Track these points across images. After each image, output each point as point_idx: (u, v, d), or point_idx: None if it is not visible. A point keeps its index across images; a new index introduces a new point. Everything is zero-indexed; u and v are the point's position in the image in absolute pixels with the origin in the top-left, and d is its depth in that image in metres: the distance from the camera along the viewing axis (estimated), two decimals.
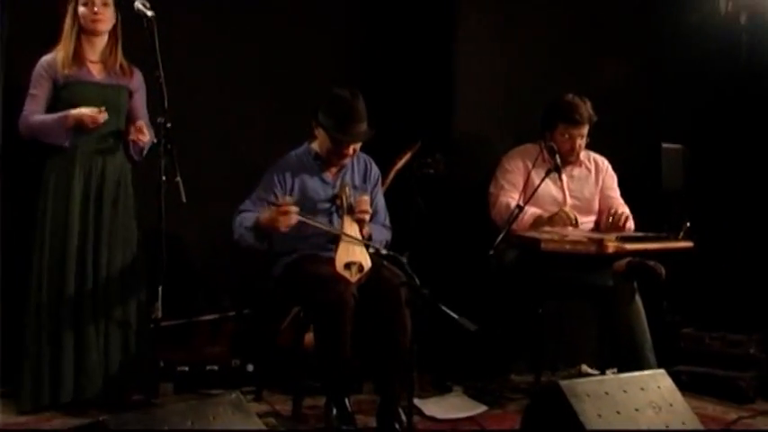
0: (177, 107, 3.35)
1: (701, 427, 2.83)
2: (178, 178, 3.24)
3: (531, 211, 3.76)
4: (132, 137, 3.45)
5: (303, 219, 3.29)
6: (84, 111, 3.36)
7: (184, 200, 3.23)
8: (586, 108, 3.84)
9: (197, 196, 3.38)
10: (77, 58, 3.43)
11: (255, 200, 3.45)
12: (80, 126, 3.38)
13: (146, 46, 3.25)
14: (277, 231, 3.28)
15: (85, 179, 3.43)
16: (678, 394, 2.97)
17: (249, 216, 3.38)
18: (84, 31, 3.45)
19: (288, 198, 3.33)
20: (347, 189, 3.47)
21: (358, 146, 3.51)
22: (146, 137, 3.45)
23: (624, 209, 3.94)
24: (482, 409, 3.59)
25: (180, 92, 3.48)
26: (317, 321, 3.29)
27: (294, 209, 3.25)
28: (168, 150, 3.27)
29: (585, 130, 3.87)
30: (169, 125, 3.27)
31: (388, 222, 3.66)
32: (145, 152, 3.53)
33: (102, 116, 3.36)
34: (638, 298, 3.72)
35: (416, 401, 3.50)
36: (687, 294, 4.36)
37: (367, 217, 3.43)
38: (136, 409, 3.14)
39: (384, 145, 3.80)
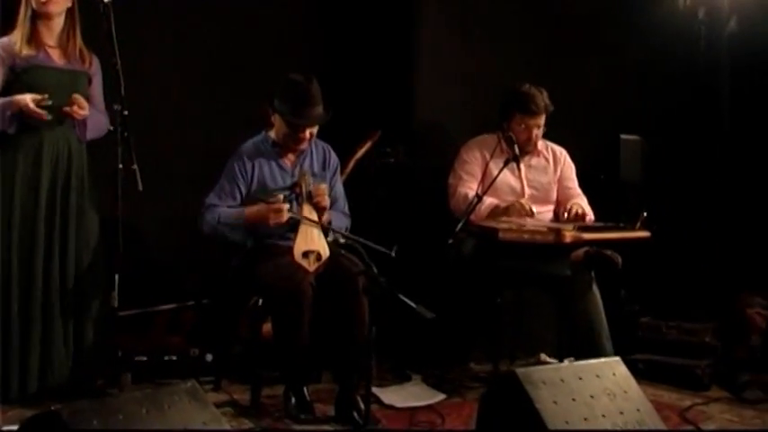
0: (135, 94, 3.32)
1: (654, 413, 2.87)
2: (135, 166, 3.22)
3: (489, 201, 3.79)
4: (67, 109, 3.34)
5: (294, 215, 3.35)
6: (27, 98, 3.28)
7: (141, 188, 3.21)
8: (543, 98, 3.87)
9: (155, 184, 3.36)
10: (34, 41, 3.37)
11: (220, 192, 3.46)
12: (26, 114, 3.31)
13: (102, 32, 3.22)
14: (265, 227, 3.36)
15: (41, 166, 3.39)
16: (633, 381, 3.01)
17: (225, 212, 3.40)
18: (38, 15, 3.40)
19: (280, 196, 3.39)
20: (306, 177, 3.48)
21: (315, 130, 3.52)
22: (83, 110, 3.36)
23: (582, 199, 3.99)
24: (441, 397, 3.62)
25: (137, 79, 3.45)
26: (276, 311, 3.30)
27: (286, 207, 3.33)
28: (125, 138, 3.24)
29: (542, 120, 3.90)
30: (126, 113, 3.24)
31: (347, 210, 3.67)
32: (90, 133, 3.46)
33: (44, 103, 3.28)
34: (595, 287, 3.76)
35: (375, 390, 3.51)
36: (645, 283, 4.41)
37: (326, 204, 3.44)
38: (90, 397, 3.12)
39: (344, 134, 3.81)
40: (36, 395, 3.35)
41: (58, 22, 3.43)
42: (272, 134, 3.56)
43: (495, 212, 3.79)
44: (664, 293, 4.42)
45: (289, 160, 3.56)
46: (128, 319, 3.68)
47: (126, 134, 3.24)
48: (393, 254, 3.03)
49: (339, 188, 3.67)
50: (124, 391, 3.42)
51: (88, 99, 3.45)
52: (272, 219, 3.32)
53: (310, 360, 3.32)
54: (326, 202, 3.45)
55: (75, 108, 3.35)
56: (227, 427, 2.59)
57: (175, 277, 4.04)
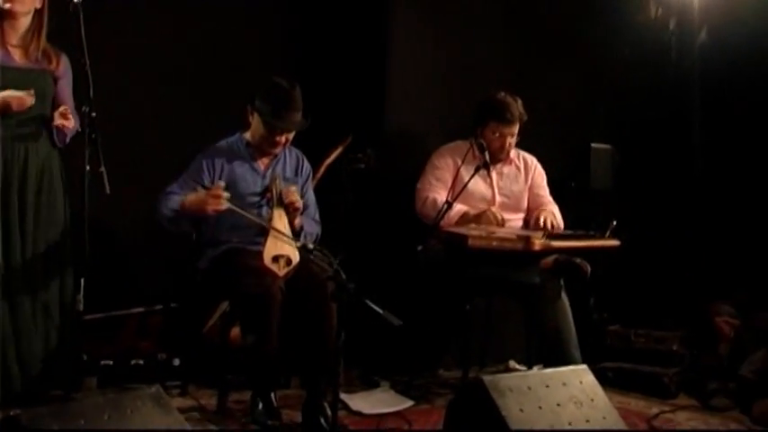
0: (106, 95, 3.30)
1: (620, 421, 2.90)
2: (102, 168, 3.18)
3: (458, 207, 3.80)
4: (57, 123, 3.36)
5: (233, 207, 3.29)
6: (11, 93, 3.27)
7: (108, 191, 3.17)
8: (517, 107, 3.89)
9: (125, 187, 3.34)
10: None
11: (183, 183, 3.43)
12: (4, 109, 3.29)
13: (72, 31, 3.18)
14: (203, 214, 3.29)
15: (7, 167, 3.35)
16: (599, 389, 3.03)
17: (175, 198, 3.37)
18: (2, 14, 3.37)
19: (221, 183, 3.34)
20: (278, 181, 3.47)
21: (291, 135, 3.52)
22: (70, 122, 3.37)
23: (553, 207, 4.01)
24: (409, 404, 3.62)
25: (108, 79, 3.43)
26: (244, 315, 3.28)
27: (225, 195, 3.27)
28: (92, 140, 3.21)
29: (516, 128, 3.92)
30: (94, 114, 3.21)
31: (317, 217, 3.68)
32: (68, 139, 3.46)
33: (30, 99, 3.28)
34: (564, 295, 3.78)
35: (343, 396, 3.52)
36: (614, 292, 4.46)
37: (298, 205, 3.44)
38: (52, 402, 3.09)
39: (315, 139, 3.80)
40: None
41: (24, 22, 3.40)
42: (247, 135, 3.56)
43: (465, 219, 3.80)
44: (633, 302, 4.47)
45: (262, 163, 3.56)
46: (95, 323, 3.66)
47: (94, 136, 3.21)
48: (336, 262, 3.01)
49: (311, 195, 3.68)
50: (88, 396, 3.38)
51: (53, 99, 3.43)
52: (209, 205, 3.26)
53: (278, 365, 3.31)
54: (300, 203, 3.45)
55: (63, 122, 3.34)
56: None
57: (144, 280, 4.01)
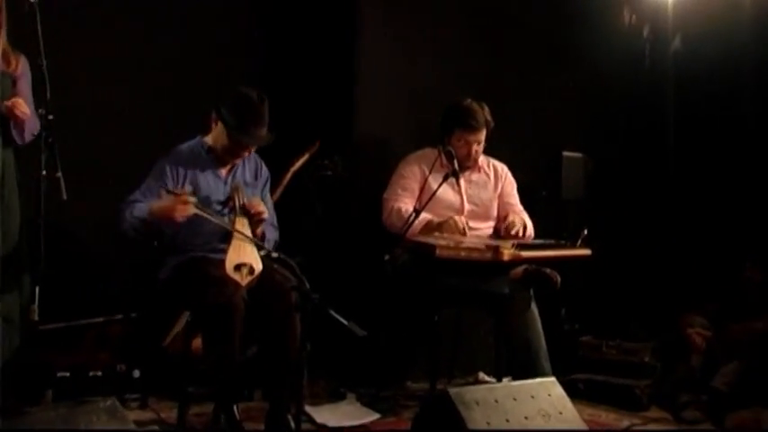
0: (64, 98, 3.26)
1: None
2: (59, 174, 3.13)
3: (422, 216, 3.78)
4: (16, 112, 3.26)
5: (200, 212, 3.28)
6: None
7: (65, 197, 3.13)
8: (483, 114, 3.89)
9: (83, 193, 3.32)
10: None
11: (145, 190, 3.40)
12: None
13: (29, 32, 3.15)
14: (170, 221, 3.27)
15: None
16: (568, 402, 3.05)
17: (141, 206, 3.34)
18: None
19: (187, 187, 3.33)
20: (240, 190, 3.46)
21: (254, 148, 3.52)
22: (25, 109, 3.28)
23: (523, 215, 4.02)
24: (375, 416, 3.61)
25: (67, 82, 3.40)
26: (206, 325, 3.25)
27: (192, 199, 3.26)
28: (49, 144, 3.16)
29: (482, 135, 3.92)
30: (51, 117, 3.16)
31: (275, 222, 3.66)
32: (27, 135, 3.38)
33: None
34: (533, 306, 3.79)
35: (308, 409, 3.51)
36: (585, 302, 4.49)
37: (266, 216, 3.44)
38: (4, 416, 3.04)
39: (282, 145, 3.77)
40: None
41: None
42: (209, 140, 3.53)
43: (429, 228, 3.79)
44: (604, 312, 4.50)
45: (224, 168, 3.55)
46: (52, 333, 3.61)
47: (51, 140, 3.17)
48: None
49: (268, 200, 3.66)
50: (41, 409, 3.34)
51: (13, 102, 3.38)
52: (177, 212, 3.24)
53: (241, 377, 3.29)
54: (266, 212, 3.44)
55: (15, 111, 3.27)
56: None
57: (103, 289, 3.96)
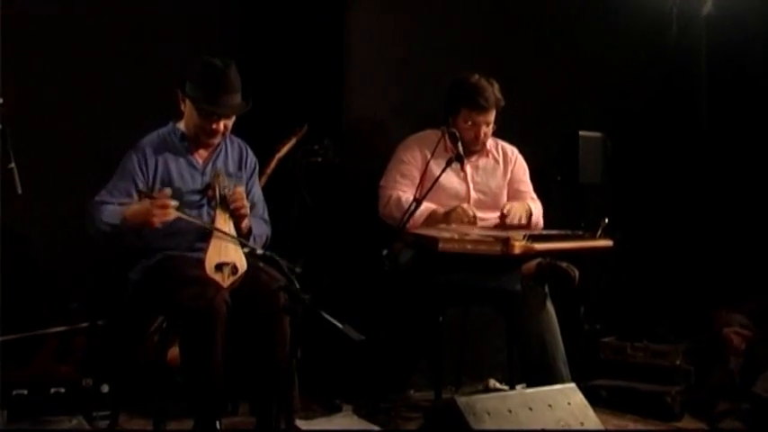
0: (17, 82, 3.31)
1: None
2: (12, 165, 3.13)
3: (424, 206, 3.82)
4: None
5: (182, 216, 3.33)
6: None
7: (20, 191, 3.12)
8: (493, 91, 3.94)
9: (42, 187, 3.35)
10: None
11: (113, 189, 3.43)
12: None
13: None
14: (149, 227, 3.30)
15: None
16: (590, 411, 3.12)
17: (112, 209, 3.37)
18: None
19: (167, 190, 3.35)
20: (221, 177, 3.49)
21: (230, 122, 3.54)
22: None
23: (535, 205, 4.07)
24: (374, 430, 3.66)
25: (20, 64, 3.43)
26: (184, 332, 3.29)
27: (173, 203, 3.29)
28: (0, 132, 3.18)
29: (492, 116, 3.97)
30: (1, 101, 3.17)
31: (266, 216, 3.71)
32: None
33: None
34: (549, 304, 3.85)
35: (299, 423, 3.55)
36: (606, 299, 4.54)
37: (246, 211, 3.47)
38: None
39: (265, 129, 3.84)
40: None
41: None
42: (181, 126, 3.57)
43: (434, 219, 3.85)
44: (628, 311, 4.55)
45: (200, 156, 3.58)
46: (7, 345, 3.62)
47: (1, 127, 3.17)
48: (298, 269, 3.07)
49: (257, 191, 3.70)
50: None
51: None
52: (156, 217, 3.27)
53: (224, 389, 3.32)
54: (246, 207, 3.47)
55: None
56: None
57: (65, 294, 3.99)
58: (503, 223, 3.93)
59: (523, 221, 3.94)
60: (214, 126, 3.50)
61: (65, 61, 4.03)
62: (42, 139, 3.84)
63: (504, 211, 3.92)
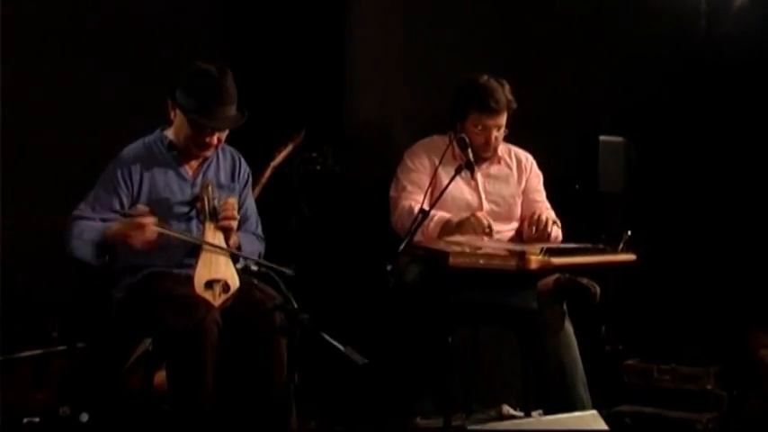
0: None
1: None
2: None
3: (438, 216, 3.87)
4: None
5: (164, 231, 3.34)
6: None
7: None
8: (504, 93, 3.97)
9: (17, 199, 3.41)
10: None
11: (94, 202, 3.44)
12: None
13: None
14: (132, 248, 3.32)
15: None
16: None
17: (91, 226, 3.38)
18: None
19: (140, 207, 3.37)
20: (210, 189, 3.51)
21: (224, 135, 3.56)
22: None
23: (550, 213, 4.08)
24: None
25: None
26: (171, 356, 3.32)
27: (151, 220, 3.30)
28: None
29: (503, 119, 4.00)
30: None
31: (260, 231, 3.73)
32: None
33: None
34: (568, 323, 3.87)
35: None
36: (630, 318, 4.53)
37: (234, 224, 3.48)
38: None
39: (259, 134, 3.86)
40: None
41: None
42: (170, 134, 3.59)
43: (447, 229, 3.88)
44: (654, 330, 4.56)
45: (190, 168, 3.60)
46: None
47: None
48: (289, 271, 3.09)
49: (251, 204, 3.73)
50: None
51: None
52: (135, 238, 3.29)
53: (215, 418, 3.31)
54: (235, 220, 3.47)
55: None
56: None
57: (42, 314, 3.99)
58: (530, 234, 3.97)
59: (549, 230, 3.95)
60: (207, 139, 3.51)
61: (50, 66, 4.06)
62: (16, 146, 3.87)
63: (535, 218, 3.96)
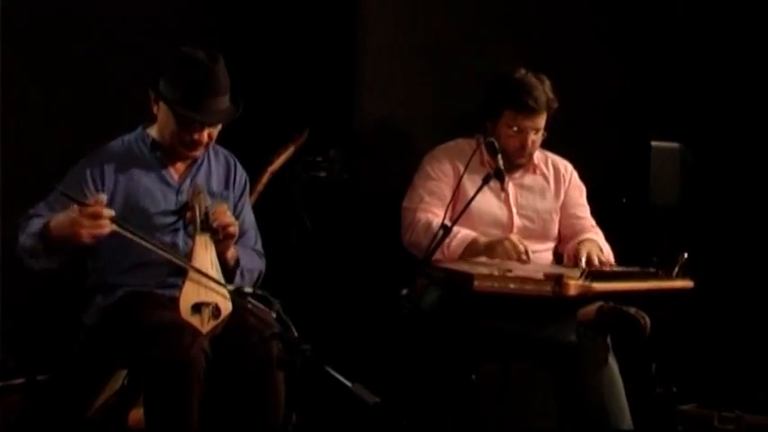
0: None
1: None
2: None
3: (463, 233, 3.90)
4: None
5: (121, 230, 3.29)
6: None
7: None
8: (544, 90, 4.01)
9: None
10: None
11: (54, 202, 3.42)
12: None
13: None
14: (77, 242, 3.25)
15: None
16: None
17: (39, 222, 3.35)
18: None
19: (100, 195, 3.31)
20: (202, 196, 3.51)
21: (215, 131, 3.58)
22: None
23: (596, 234, 4.14)
24: None
25: None
26: (151, 390, 3.32)
27: (108, 212, 3.25)
28: None
29: (542, 120, 4.04)
30: None
31: (259, 246, 3.75)
32: None
33: None
34: (612, 359, 3.89)
35: None
36: (686, 356, 4.57)
37: (235, 230, 3.49)
38: None
39: (256, 134, 3.91)
40: None
41: None
42: (153, 131, 3.61)
43: (473, 249, 3.91)
44: (714, 370, 4.59)
45: (176, 171, 3.63)
46: None
47: None
48: (275, 309, 3.10)
49: (248, 216, 3.75)
50: None
51: None
52: (85, 228, 3.19)
53: None
54: (235, 226, 3.49)
55: None
56: None
57: None
58: (562, 258, 3.99)
59: (595, 262, 3.95)
60: (196, 136, 3.53)
61: (31, 59, 4.10)
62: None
63: (583, 259, 3.95)
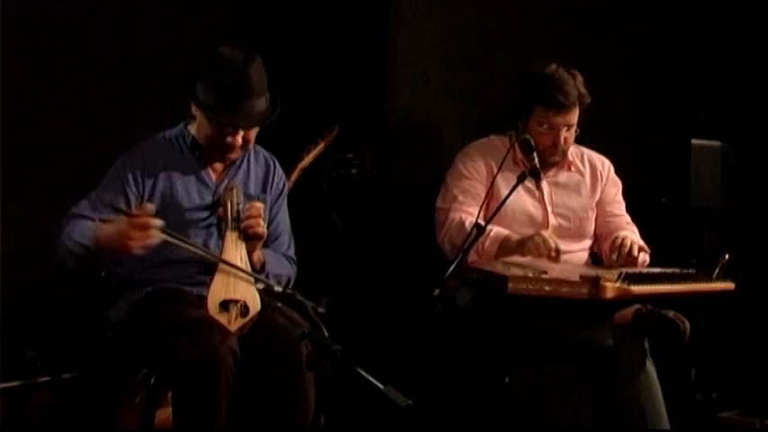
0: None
1: None
2: None
3: (496, 231, 3.92)
4: None
5: (170, 238, 3.35)
6: None
7: None
8: (575, 84, 4.02)
9: (14, 200, 3.50)
10: None
11: (96, 201, 3.47)
12: None
13: None
14: (126, 254, 3.31)
15: None
16: None
17: (84, 225, 3.39)
18: None
19: (148, 206, 3.35)
20: (235, 191, 3.55)
21: (252, 133, 3.61)
22: None
23: (632, 234, 4.14)
24: None
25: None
26: (178, 390, 3.37)
27: (157, 223, 3.28)
28: None
29: (574, 116, 4.05)
30: None
31: (292, 253, 3.78)
32: None
33: None
34: (650, 364, 3.91)
35: None
36: (726, 361, 4.57)
37: (260, 229, 3.51)
38: None
39: (286, 131, 3.89)
40: None
41: None
42: (194, 130, 3.66)
43: (506, 248, 3.92)
44: (755, 376, 4.60)
45: (213, 171, 3.68)
46: None
47: None
48: (321, 309, 3.15)
49: (284, 220, 3.78)
50: None
51: None
52: (135, 240, 3.24)
53: None
54: (262, 227, 3.51)
55: None
56: None
57: (20, 339, 4.06)
58: (611, 261, 4.00)
59: (635, 254, 3.95)
60: (230, 139, 3.57)
61: (60, 55, 4.18)
62: (14, 151, 4.00)
63: (618, 242, 3.97)
